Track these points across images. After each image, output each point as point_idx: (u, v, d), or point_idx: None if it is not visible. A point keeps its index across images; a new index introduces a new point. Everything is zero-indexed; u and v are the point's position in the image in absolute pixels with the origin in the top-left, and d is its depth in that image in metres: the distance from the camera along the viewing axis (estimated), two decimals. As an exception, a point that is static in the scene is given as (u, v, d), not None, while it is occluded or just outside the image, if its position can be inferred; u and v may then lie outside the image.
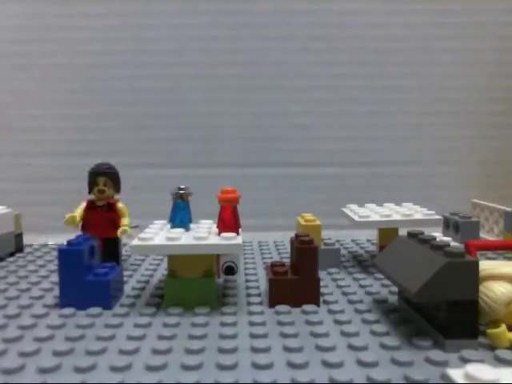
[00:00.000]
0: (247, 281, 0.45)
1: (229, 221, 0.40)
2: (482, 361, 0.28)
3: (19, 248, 0.58)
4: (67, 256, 0.38)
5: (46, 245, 0.61)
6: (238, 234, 0.39)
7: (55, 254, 0.56)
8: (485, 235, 0.59)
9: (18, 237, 0.58)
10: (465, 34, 0.71)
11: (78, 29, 0.70)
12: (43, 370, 0.28)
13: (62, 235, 0.64)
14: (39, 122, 0.71)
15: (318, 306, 0.38)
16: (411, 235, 0.37)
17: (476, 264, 0.30)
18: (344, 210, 0.53)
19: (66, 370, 0.28)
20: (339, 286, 0.43)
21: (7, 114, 0.71)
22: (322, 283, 0.39)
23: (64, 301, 0.38)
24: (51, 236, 0.63)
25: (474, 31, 0.71)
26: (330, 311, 0.37)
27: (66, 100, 0.71)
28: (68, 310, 0.37)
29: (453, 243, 0.37)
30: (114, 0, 0.70)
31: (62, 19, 0.70)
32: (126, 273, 0.48)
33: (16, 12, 0.70)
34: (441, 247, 0.32)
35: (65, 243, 0.39)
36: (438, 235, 0.43)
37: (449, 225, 0.55)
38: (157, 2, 0.70)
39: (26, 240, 0.60)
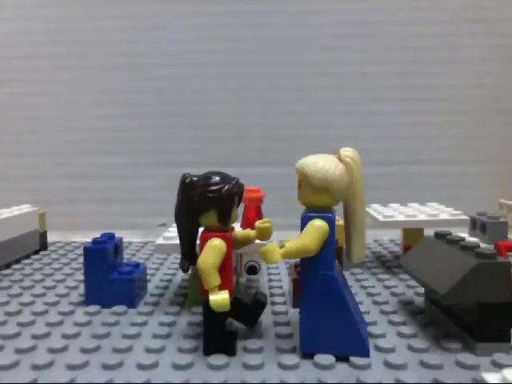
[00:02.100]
0: (270, 281, 0.45)
1: (253, 220, 0.40)
2: (515, 365, 0.27)
3: (44, 246, 0.59)
4: (92, 254, 0.39)
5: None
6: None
7: (79, 252, 0.57)
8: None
9: (43, 235, 0.59)
10: (496, 31, 0.69)
11: (109, 30, 0.71)
12: (72, 367, 0.28)
13: (92, 233, 0.66)
14: (72, 122, 0.73)
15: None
16: (439, 235, 0.36)
17: (509, 265, 0.29)
18: (367, 209, 0.52)
19: (93, 367, 0.28)
20: (363, 287, 0.43)
21: (40, 114, 0.73)
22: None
23: (89, 299, 0.38)
24: (81, 233, 0.64)
25: (505, 28, 0.69)
26: (355, 312, 0.36)
27: (98, 101, 0.72)
28: (93, 308, 0.37)
29: (481, 244, 0.36)
30: (143, 2, 0.71)
31: (93, 22, 0.71)
32: (148, 271, 0.48)
33: (50, 16, 0.72)
34: (471, 248, 0.31)
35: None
36: (465, 236, 0.42)
37: (475, 225, 0.53)
38: (184, 3, 0.71)
39: (60, 237, 0.63)
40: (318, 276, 0.28)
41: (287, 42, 0.71)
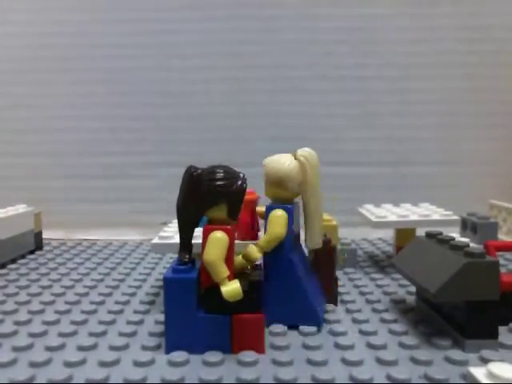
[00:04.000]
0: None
1: (246, 225, 0.39)
2: (502, 361, 0.28)
3: (39, 246, 0.59)
4: (176, 287, 0.30)
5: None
6: (256, 237, 0.39)
7: (73, 252, 0.58)
8: (503, 236, 0.59)
9: (38, 235, 0.59)
10: (491, 37, 0.71)
11: (112, 34, 0.72)
12: (69, 364, 0.28)
13: (91, 231, 0.67)
14: (73, 123, 0.73)
15: (336, 305, 0.38)
16: (430, 235, 0.37)
17: (497, 264, 0.30)
18: (360, 210, 0.53)
19: (90, 364, 0.29)
20: (356, 286, 0.43)
21: (43, 115, 0.73)
22: (338, 283, 0.40)
23: (171, 345, 0.30)
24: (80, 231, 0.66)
25: (500, 34, 0.71)
26: (348, 310, 0.37)
27: (100, 102, 0.73)
28: (90, 307, 0.38)
29: (471, 244, 0.37)
30: (146, 6, 0.72)
31: (96, 26, 0.72)
32: (143, 271, 0.49)
33: (53, 19, 0.72)
34: (460, 247, 0.32)
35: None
36: (456, 236, 0.43)
37: (466, 226, 0.54)
38: (186, 8, 0.72)
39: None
40: (279, 258, 0.33)
41: (286, 46, 0.72)
